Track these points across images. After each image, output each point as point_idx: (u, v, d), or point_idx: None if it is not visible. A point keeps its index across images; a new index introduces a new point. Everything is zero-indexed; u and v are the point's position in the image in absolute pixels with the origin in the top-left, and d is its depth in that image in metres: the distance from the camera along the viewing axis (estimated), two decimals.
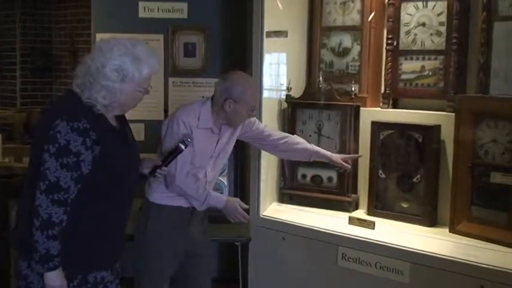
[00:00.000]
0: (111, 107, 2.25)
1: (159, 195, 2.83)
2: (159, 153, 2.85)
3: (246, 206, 2.86)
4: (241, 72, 2.80)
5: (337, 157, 3.17)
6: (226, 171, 3.55)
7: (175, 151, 2.62)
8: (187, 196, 2.79)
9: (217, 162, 2.95)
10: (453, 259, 2.73)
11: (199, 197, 2.77)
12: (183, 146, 2.68)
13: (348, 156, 3.21)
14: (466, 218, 3.01)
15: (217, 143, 2.84)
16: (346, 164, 3.15)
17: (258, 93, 2.75)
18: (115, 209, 2.27)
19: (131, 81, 2.21)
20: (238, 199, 2.92)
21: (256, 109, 2.80)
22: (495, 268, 2.61)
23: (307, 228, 3.18)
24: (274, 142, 3.05)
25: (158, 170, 2.58)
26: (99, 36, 3.71)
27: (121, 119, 2.34)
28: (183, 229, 2.84)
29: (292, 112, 3.52)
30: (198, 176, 2.84)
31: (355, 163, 3.47)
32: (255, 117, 3.04)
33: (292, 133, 3.38)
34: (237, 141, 3.08)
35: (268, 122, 3.34)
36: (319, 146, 3.30)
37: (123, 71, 2.18)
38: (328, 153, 3.16)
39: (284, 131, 3.41)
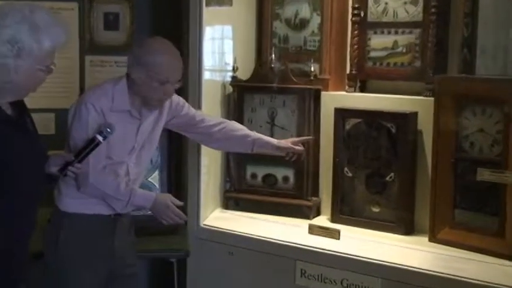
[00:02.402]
0: (4, 91, 2.16)
1: (71, 201, 2.75)
2: (66, 148, 2.75)
3: (179, 203, 2.79)
4: (161, 38, 2.73)
5: (285, 142, 3.15)
6: (157, 170, 3.50)
7: (91, 144, 2.55)
8: (106, 197, 2.71)
9: (141, 156, 2.85)
10: (434, 273, 2.74)
11: (121, 196, 2.70)
12: (100, 138, 2.58)
13: (297, 139, 3.21)
14: (448, 224, 3.03)
15: (138, 130, 2.77)
16: (297, 147, 3.13)
17: (177, 65, 2.67)
18: (14, 217, 2.20)
19: (29, 57, 2.13)
20: (169, 195, 2.86)
21: (174, 85, 2.67)
22: (484, 284, 2.62)
23: (258, 239, 3.18)
24: (209, 129, 3.04)
25: (70, 168, 2.50)
26: None
27: (19, 106, 2.27)
28: (105, 243, 2.79)
29: (239, 97, 3.52)
30: (119, 172, 2.76)
31: (315, 159, 3.47)
32: (184, 101, 3.00)
33: (240, 123, 3.32)
34: (173, 132, 3.09)
35: (209, 109, 3.33)
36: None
37: (18, 43, 2.10)
38: (274, 140, 3.15)
39: (229, 120, 3.35)
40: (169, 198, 2.78)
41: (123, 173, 2.78)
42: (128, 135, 2.76)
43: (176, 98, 2.96)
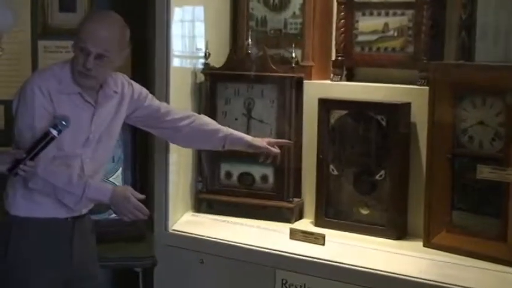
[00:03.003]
0: None
1: (22, 203, 2.74)
2: (15, 142, 2.73)
3: (141, 196, 2.77)
4: (107, 11, 2.80)
5: (260, 141, 3.14)
6: (120, 169, 3.50)
7: (45, 139, 2.55)
8: (56, 192, 2.70)
9: (98, 150, 2.83)
10: (429, 282, 2.73)
11: (73, 189, 2.68)
12: (55, 132, 2.57)
13: (274, 140, 3.22)
14: (444, 227, 3.03)
15: (92, 117, 2.76)
16: (273, 149, 3.13)
17: (98, 32, 2.61)
18: None
19: None
20: (129, 187, 2.86)
21: (96, 57, 2.61)
22: None
23: (233, 246, 3.19)
24: (175, 123, 3.04)
25: (21, 166, 2.50)
26: None
27: None
28: (62, 251, 2.78)
29: (212, 87, 3.52)
30: (71, 164, 2.74)
31: (297, 156, 3.46)
32: (147, 91, 2.99)
33: (213, 117, 3.34)
34: (137, 128, 3.12)
35: (178, 101, 3.33)
36: (249, 134, 3.28)
37: None
38: (248, 137, 3.14)
39: (200, 112, 3.39)
40: (128, 191, 2.77)
41: (77, 168, 2.75)
42: (81, 122, 2.74)
43: (138, 88, 2.94)
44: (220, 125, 3.11)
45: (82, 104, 2.74)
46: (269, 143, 3.14)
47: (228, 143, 3.10)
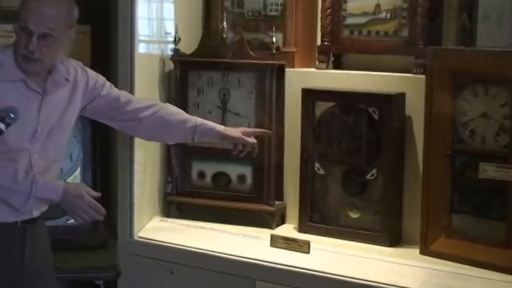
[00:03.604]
0: None
1: None
2: None
3: (96, 194, 2.73)
4: None
5: (234, 131, 3.11)
6: (79, 168, 3.48)
7: None
8: (1, 191, 2.64)
9: (48, 145, 2.79)
10: None
11: (19, 187, 2.64)
12: (2, 126, 2.53)
13: (250, 130, 3.19)
14: (444, 232, 3.05)
15: (40, 107, 2.71)
16: (249, 139, 3.10)
17: (41, 9, 2.58)
18: None
19: None
20: (83, 184, 2.84)
21: (38, 38, 2.58)
22: None
23: (207, 255, 3.19)
24: (137, 114, 2.99)
25: None
26: None
27: None
28: (12, 259, 2.74)
29: (182, 76, 3.53)
30: (17, 160, 2.69)
31: (279, 153, 3.46)
32: (105, 79, 2.95)
33: (183, 109, 3.27)
34: (97, 122, 3.09)
35: (144, 91, 3.32)
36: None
37: None
38: (220, 127, 3.11)
39: (170, 104, 3.30)
40: (83, 188, 2.73)
41: (24, 165, 2.71)
42: (27, 113, 2.69)
43: (94, 75, 2.90)
44: (188, 115, 3.09)
45: (27, 92, 2.69)
46: (244, 133, 3.10)
47: (198, 135, 3.05)
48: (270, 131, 3.33)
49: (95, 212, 2.71)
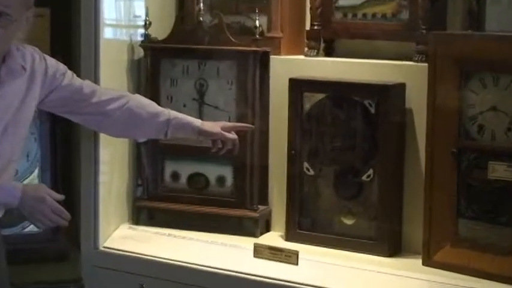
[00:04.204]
0: None
1: None
2: None
3: (59, 197, 2.72)
4: None
5: (212, 125, 3.12)
6: (37, 169, 3.49)
7: None
8: None
9: (3, 143, 2.76)
10: None
11: None
12: None
13: (230, 124, 3.21)
14: (449, 240, 3.05)
15: None
16: (230, 135, 3.11)
17: None
18: None
19: None
20: (43, 185, 2.82)
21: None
22: None
23: (182, 267, 3.20)
24: (103, 107, 2.99)
25: None
26: None
27: None
28: None
29: (154, 64, 3.54)
30: None
31: (263, 152, 3.46)
32: (66, 68, 2.94)
33: (156, 101, 3.26)
34: (57, 117, 3.12)
35: (110, 82, 3.31)
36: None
37: None
38: (197, 121, 3.12)
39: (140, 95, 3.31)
40: (44, 190, 2.71)
41: None
42: None
43: (54, 63, 2.88)
44: (160, 107, 3.09)
45: None
46: (224, 128, 3.10)
47: (171, 130, 3.05)
48: (252, 126, 3.32)
49: (59, 217, 2.69)
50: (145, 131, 3.10)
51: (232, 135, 3.11)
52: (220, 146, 3.10)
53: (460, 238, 3.03)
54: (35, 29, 2.85)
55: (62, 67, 2.91)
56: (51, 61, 2.87)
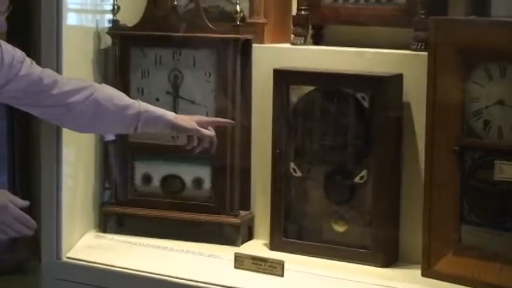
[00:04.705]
0: None
1: None
2: None
3: (24, 203, 2.71)
4: None
5: (187, 120, 3.12)
6: None
7: None
8: None
9: None
10: None
11: None
12: None
13: (206, 119, 3.20)
14: (451, 249, 3.05)
15: None
16: (207, 131, 3.10)
17: None
18: None
19: None
20: (6, 191, 2.78)
21: None
22: None
23: (155, 279, 3.19)
24: (65, 99, 2.99)
25: None
26: None
27: None
28: None
29: (123, 54, 3.55)
30: None
31: (245, 151, 3.47)
32: (24, 55, 2.94)
33: (126, 93, 3.28)
34: (16, 110, 3.12)
35: (74, 72, 3.31)
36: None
37: None
38: (169, 114, 3.12)
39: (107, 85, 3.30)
40: (6, 196, 2.70)
41: None
42: None
43: (10, 50, 2.88)
44: (129, 99, 3.08)
45: None
46: (200, 123, 3.09)
47: (142, 124, 3.05)
48: (232, 121, 3.32)
49: (24, 226, 2.68)
50: (112, 125, 3.10)
51: (210, 132, 3.10)
52: (196, 143, 3.08)
53: (463, 246, 3.03)
54: None
55: (20, 54, 2.90)
56: (8, 47, 2.85)
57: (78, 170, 3.49)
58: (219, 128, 3.18)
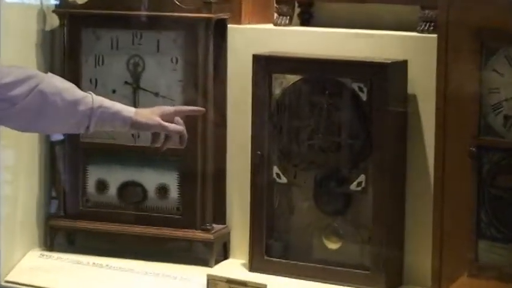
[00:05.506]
0: None
1: None
2: None
3: None
4: None
5: (149, 114, 3.04)
6: None
7: None
8: None
9: None
10: None
11: None
12: None
13: (176, 109, 3.12)
14: (466, 269, 3.06)
15: None
16: (174, 125, 3.03)
17: None
18: None
19: None
20: None
21: None
22: None
23: None
24: (5, 92, 2.91)
25: None
26: None
27: None
28: None
29: (73, 36, 3.61)
30: None
31: (220, 152, 3.45)
32: None
33: (75, 85, 3.21)
34: None
35: (14, 58, 3.40)
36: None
37: None
38: (128, 109, 3.04)
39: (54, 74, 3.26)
40: None
41: None
42: None
43: None
44: (81, 91, 2.98)
45: None
46: (165, 115, 3.03)
47: (95, 122, 2.97)
48: (203, 109, 3.17)
49: None
50: (60, 123, 3.05)
51: (178, 126, 3.04)
52: (162, 140, 3.04)
53: (480, 265, 3.05)
54: None
55: None
56: None
57: (19, 176, 3.52)
58: (187, 122, 3.12)
